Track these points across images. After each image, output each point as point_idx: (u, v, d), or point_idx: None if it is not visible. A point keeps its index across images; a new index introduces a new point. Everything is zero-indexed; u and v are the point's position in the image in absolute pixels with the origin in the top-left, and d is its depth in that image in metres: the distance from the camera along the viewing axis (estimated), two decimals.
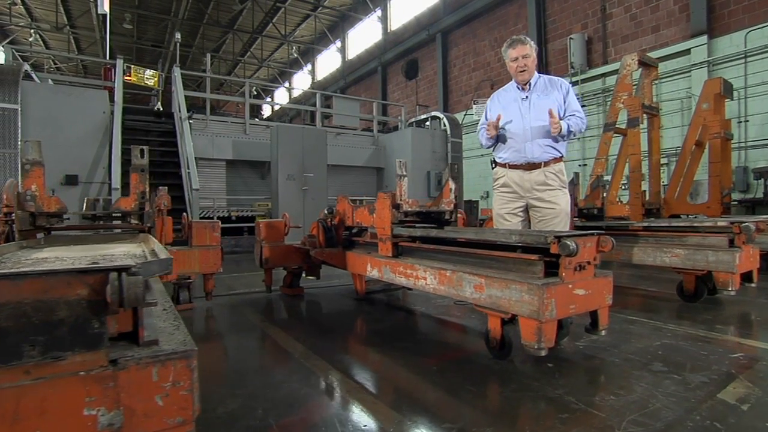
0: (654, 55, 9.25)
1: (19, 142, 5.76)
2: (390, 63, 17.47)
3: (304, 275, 4.01)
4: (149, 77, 7.91)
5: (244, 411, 1.69)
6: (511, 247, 2.24)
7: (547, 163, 2.78)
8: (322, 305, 3.61)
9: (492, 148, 2.96)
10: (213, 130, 8.31)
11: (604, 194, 4.70)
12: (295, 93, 22.49)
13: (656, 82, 9.42)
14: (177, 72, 7.42)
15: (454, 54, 14.90)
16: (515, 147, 2.80)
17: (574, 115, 2.77)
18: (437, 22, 14.96)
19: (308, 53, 21.83)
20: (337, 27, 19.75)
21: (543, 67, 11.69)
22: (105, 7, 7.33)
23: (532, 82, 2.82)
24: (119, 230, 2.54)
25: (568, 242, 1.91)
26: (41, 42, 16.48)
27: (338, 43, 19.98)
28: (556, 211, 2.78)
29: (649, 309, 3.23)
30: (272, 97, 25.44)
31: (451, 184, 3.11)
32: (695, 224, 3.35)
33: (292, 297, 3.81)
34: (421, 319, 3.09)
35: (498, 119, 2.77)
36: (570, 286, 1.99)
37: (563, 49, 11.25)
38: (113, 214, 2.44)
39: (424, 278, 2.60)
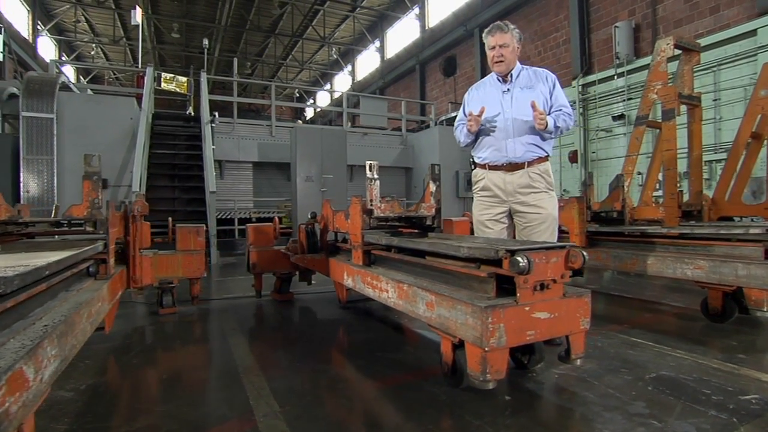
0: (713, 39, 8.36)
1: (55, 149, 6.13)
2: (428, 61, 17.14)
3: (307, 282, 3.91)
4: (180, 84, 8.22)
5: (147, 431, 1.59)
6: (473, 259, 1.98)
7: (531, 163, 2.47)
8: (303, 313, 3.47)
9: (471, 147, 2.68)
10: (240, 132, 8.47)
11: (625, 195, 4.21)
12: (334, 95, 22.70)
13: (716, 68, 8.52)
14: (203, 77, 7.62)
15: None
16: (495, 145, 2.51)
17: (561, 110, 2.45)
18: (475, 17, 14.47)
19: (348, 54, 21.95)
20: (376, 27, 19.69)
21: (585, 59, 10.95)
22: (138, 18, 7.69)
23: (514, 73, 2.52)
24: (76, 237, 2.54)
25: (519, 258, 1.63)
26: (102, 54, 17.82)
27: (377, 43, 19.92)
28: (543, 216, 2.47)
29: (662, 329, 2.80)
30: (315, 99, 25.88)
31: (432, 187, 2.86)
32: (722, 231, 2.87)
33: (280, 303, 3.72)
34: (394, 333, 2.86)
35: (482, 111, 2.48)
36: (527, 308, 1.71)
37: (607, 39, 10.44)
38: (72, 222, 2.45)
39: (386, 290, 2.39)
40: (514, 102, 2.48)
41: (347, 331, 2.99)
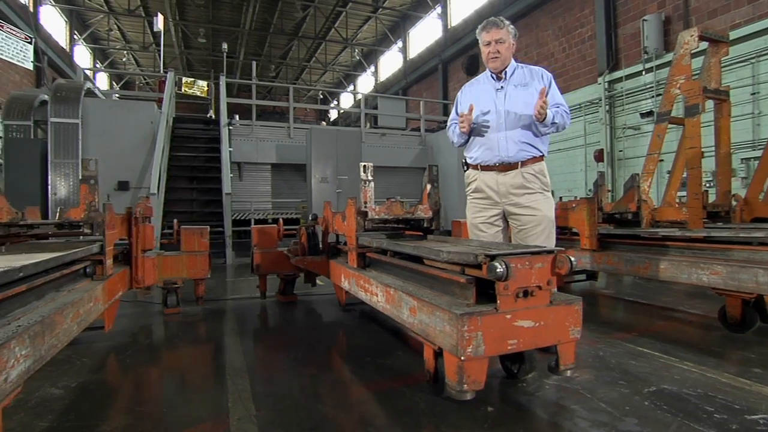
0: (751, 29, 7.90)
1: (80, 153, 6.38)
2: (450, 60, 16.96)
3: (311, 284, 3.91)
4: (200, 88, 8.41)
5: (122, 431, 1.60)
6: (460, 264, 1.91)
7: (524, 163, 2.37)
8: (303, 315, 3.46)
9: (464, 147, 2.60)
10: (259, 134, 8.59)
11: (641, 196, 4.01)
12: (355, 96, 22.78)
13: (755, 60, 8.03)
14: (222, 80, 7.77)
15: (516, 47, 14.03)
16: (487, 144, 2.42)
17: (559, 107, 2.34)
18: (498, 15, 14.19)
19: (371, 55, 21.99)
20: (398, 27, 19.63)
21: (612, 55, 10.57)
22: (160, 25, 7.93)
23: (508, 71, 2.43)
24: (75, 238, 2.61)
25: (497, 263, 1.55)
26: (134, 60, 18.53)
27: (399, 43, 19.86)
28: (538, 218, 2.36)
29: (674, 338, 2.63)
30: (338, 101, 26.06)
31: (429, 189, 2.79)
32: (741, 234, 2.67)
33: (283, 304, 3.72)
34: (389, 337, 2.79)
35: (470, 110, 2.40)
36: (508, 316, 1.63)
37: (635, 33, 10.04)
38: (72, 224, 2.51)
39: (376, 294, 2.34)
40: (507, 100, 2.39)
41: (342, 334, 2.96)
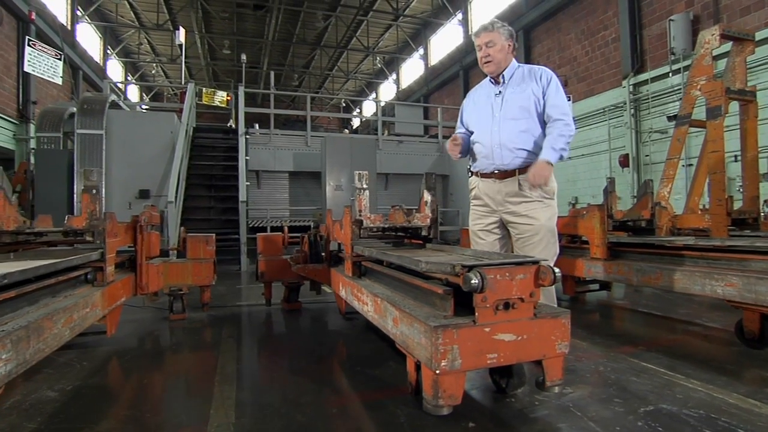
0: None
1: (104, 162, 6.64)
2: (471, 66, 16.82)
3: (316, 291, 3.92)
4: (220, 98, 8.64)
5: None
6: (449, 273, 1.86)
7: (522, 170, 2.29)
8: (304, 323, 3.46)
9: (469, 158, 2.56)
10: (276, 143, 8.73)
11: (659, 202, 3.84)
12: (373, 104, 22.88)
13: None
14: (240, 90, 7.96)
15: (538, 51, 13.84)
16: (483, 152, 2.37)
17: (554, 126, 2.21)
18: (519, 19, 14.04)
19: (392, 63, 22.10)
20: (420, 34, 19.68)
21: (637, 57, 10.24)
22: (181, 38, 8.21)
23: (506, 74, 2.37)
24: (83, 246, 2.69)
25: (471, 275, 1.50)
26: (162, 72, 19.25)
27: (420, 50, 19.89)
28: (535, 228, 2.28)
29: (684, 353, 2.48)
30: (361, 109, 26.27)
31: (427, 197, 2.75)
32: (758, 243, 2.50)
33: (287, 312, 3.74)
34: (385, 347, 2.70)
35: (455, 140, 2.45)
36: (487, 329, 1.57)
37: (661, 34, 9.70)
38: (76, 232, 2.60)
39: (367, 303, 2.31)
40: (504, 104, 2.33)
41: (338, 343, 2.93)
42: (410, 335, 1.70)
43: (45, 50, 7.81)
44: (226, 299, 4.32)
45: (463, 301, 1.65)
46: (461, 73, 17.35)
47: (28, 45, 7.50)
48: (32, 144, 8.33)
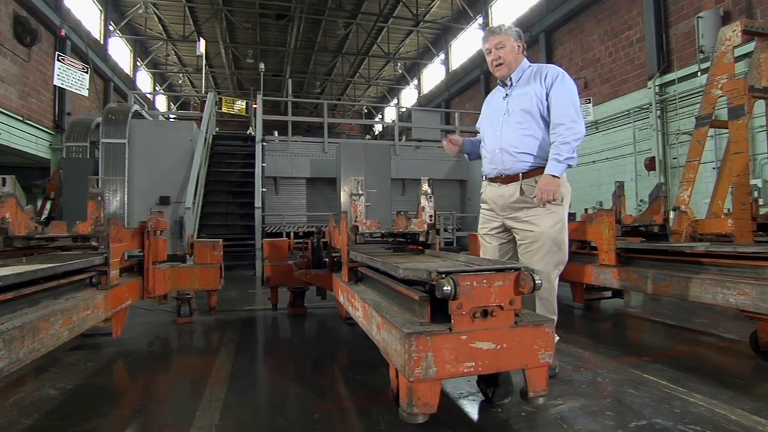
0: None
1: (126, 170, 6.90)
2: None
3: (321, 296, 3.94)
4: (239, 107, 8.86)
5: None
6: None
7: (526, 174, 2.23)
8: (306, 328, 3.48)
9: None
10: (294, 150, 8.87)
11: (679, 207, 3.69)
12: (392, 110, 22.94)
13: None
14: (258, 98, 8.13)
15: (560, 53, 13.60)
16: (489, 157, 2.36)
17: (557, 127, 2.13)
18: (539, 22, 13.86)
19: (413, 68, 22.13)
20: (440, 39, 19.65)
21: (663, 57, 9.91)
22: (201, 49, 8.48)
23: (514, 76, 2.32)
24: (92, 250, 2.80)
25: (444, 282, 1.48)
26: (189, 82, 19.90)
27: (442, 56, 19.85)
28: (535, 235, 2.22)
29: (691, 366, 2.36)
30: (383, 115, 26.39)
31: (424, 203, 2.73)
32: None
33: (292, 317, 3.77)
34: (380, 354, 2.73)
35: (454, 140, 2.54)
36: (464, 337, 1.54)
37: (689, 32, 9.37)
38: (83, 237, 2.71)
39: (358, 309, 2.31)
40: (508, 108, 2.30)
41: (336, 348, 2.94)
42: (389, 342, 1.68)
43: (73, 64, 8.22)
44: (236, 303, 4.40)
45: (444, 308, 1.63)
46: (482, 77, 17.19)
47: (58, 60, 7.93)
48: (64, 153, 8.75)
